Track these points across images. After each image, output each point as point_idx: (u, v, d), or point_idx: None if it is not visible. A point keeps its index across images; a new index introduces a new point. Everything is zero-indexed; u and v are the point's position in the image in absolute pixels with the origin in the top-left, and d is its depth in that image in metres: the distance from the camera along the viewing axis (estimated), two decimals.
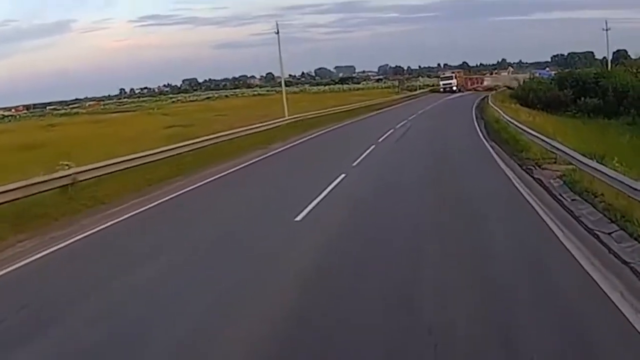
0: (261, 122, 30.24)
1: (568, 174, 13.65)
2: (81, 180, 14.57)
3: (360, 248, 8.57)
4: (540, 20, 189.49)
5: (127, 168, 16.18)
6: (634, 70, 56.17)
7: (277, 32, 37.67)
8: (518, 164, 16.07)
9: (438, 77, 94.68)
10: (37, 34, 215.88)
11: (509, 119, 25.56)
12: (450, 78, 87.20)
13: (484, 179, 14.06)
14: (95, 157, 16.87)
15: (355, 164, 16.97)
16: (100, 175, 15.47)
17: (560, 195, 11.99)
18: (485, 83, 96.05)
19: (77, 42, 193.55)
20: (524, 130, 20.14)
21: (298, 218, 10.48)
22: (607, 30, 64.78)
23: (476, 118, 34.65)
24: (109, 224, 11.20)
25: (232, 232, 10.02)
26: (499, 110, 32.50)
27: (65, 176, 13.64)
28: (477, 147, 20.55)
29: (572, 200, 11.56)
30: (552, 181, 13.69)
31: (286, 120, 33.54)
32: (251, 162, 19.07)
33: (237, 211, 11.86)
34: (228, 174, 16.79)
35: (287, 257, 8.30)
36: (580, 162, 13.05)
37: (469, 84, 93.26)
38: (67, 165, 14.67)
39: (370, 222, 10.28)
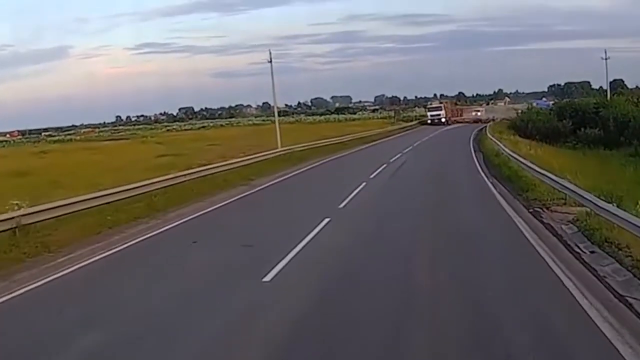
0: (250, 155, 28.99)
1: (582, 218, 12.00)
2: (33, 223, 12.87)
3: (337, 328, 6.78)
4: (537, 50, 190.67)
5: (88, 208, 14.44)
6: (635, 100, 55.13)
7: (270, 61, 36.84)
8: (524, 206, 14.42)
9: (426, 108, 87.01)
10: (35, 60, 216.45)
11: (510, 152, 24.02)
12: (439, 109, 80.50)
13: (488, 226, 12.36)
14: (83, 185, 16.78)
15: (342, 205, 15.23)
16: (59, 216, 13.78)
17: (577, 245, 10.31)
18: (478, 114, 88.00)
19: (74, 68, 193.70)
20: (529, 167, 18.54)
21: (267, 278, 8.74)
22: (606, 59, 63.75)
23: (474, 151, 33.13)
24: (44, 280, 9.43)
25: (184, 300, 8.21)
26: (498, 143, 31.03)
27: (7, 219, 11.90)
28: (477, 185, 18.93)
29: (592, 252, 9.88)
30: (564, 227, 12.03)
31: (277, 152, 32.07)
32: (230, 200, 17.33)
33: (196, 268, 10.01)
34: (197, 216, 14.90)
35: (247, 336, 6.55)
36: (597, 206, 11.39)
37: (459, 114, 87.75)
38: (16, 204, 12.97)
39: (350, 290, 8.29)
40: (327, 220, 12.95)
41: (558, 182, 14.29)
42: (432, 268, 9.15)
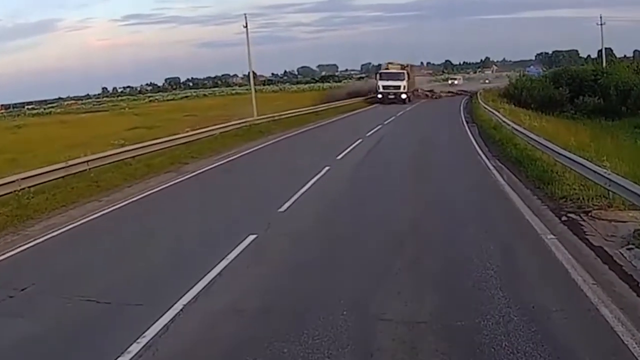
0: (220, 124, 25.47)
1: None
2: None
3: None
4: (524, 18, 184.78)
5: None
6: (635, 67, 50.96)
7: (246, 26, 33.65)
8: (550, 209, 9.78)
9: (376, 74, 53.99)
10: (21, 34, 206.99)
11: (513, 125, 19.29)
12: (398, 77, 49.82)
13: (505, 251, 7.62)
14: (39, 163, 14.94)
15: (284, 207, 10.39)
16: None
17: None
18: (455, 82, 76.91)
19: (61, 41, 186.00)
20: (544, 145, 13.89)
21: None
22: (601, 24, 59.19)
23: (467, 123, 28.35)
24: None
25: None
26: (494, 112, 26.30)
27: None
28: (477, 170, 14.28)
29: None
30: (623, 252, 7.48)
31: (249, 121, 27.91)
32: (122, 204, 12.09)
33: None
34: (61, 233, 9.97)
35: None
36: None
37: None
38: None
39: None
40: (251, 237, 8.12)
41: (607, 178, 9.54)
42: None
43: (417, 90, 57.28)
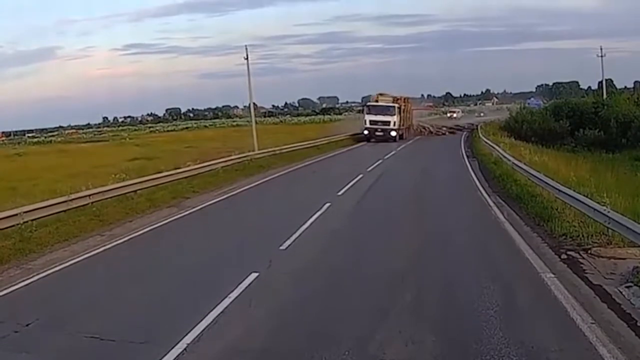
0: (221, 158, 25.00)
1: None
2: None
3: None
4: (525, 50, 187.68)
5: None
6: (636, 99, 51.35)
7: (246, 57, 33.73)
8: (549, 247, 9.87)
9: (364, 107, 49.00)
10: (22, 61, 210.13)
11: (514, 160, 19.47)
12: (388, 111, 43.52)
13: (505, 290, 7.67)
14: (39, 192, 15.66)
15: (285, 245, 10.43)
16: None
17: None
18: (454, 116, 73.91)
19: (62, 69, 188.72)
20: (544, 182, 14.01)
21: None
22: (602, 56, 59.80)
23: (467, 157, 28.59)
24: None
25: None
26: (494, 147, 26.52)
27: None
28: (477, 207, 14.41)
29: None
30: (622, 290, 7.56)
31: (249, 155, 27.74)
32: (128, 237, 12.13)
33: None
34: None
35: None
36: None
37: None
38: None
39: None
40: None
41: (606, 216, 9.62)
42: None
43: (413, 127, 52.34)
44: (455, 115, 75.45)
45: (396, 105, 44.28)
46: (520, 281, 8.14)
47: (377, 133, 42.42)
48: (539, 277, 8.17)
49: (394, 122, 43.13)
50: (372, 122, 42.89)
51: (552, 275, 8.19)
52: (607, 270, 8.39)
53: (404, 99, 48.41)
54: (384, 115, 42.88)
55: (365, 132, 42.95)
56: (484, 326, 6.38)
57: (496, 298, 7.28)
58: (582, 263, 8.79)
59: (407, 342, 6.07)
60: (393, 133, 42.70)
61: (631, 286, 7.60)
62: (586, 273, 8.29)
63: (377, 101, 45.34)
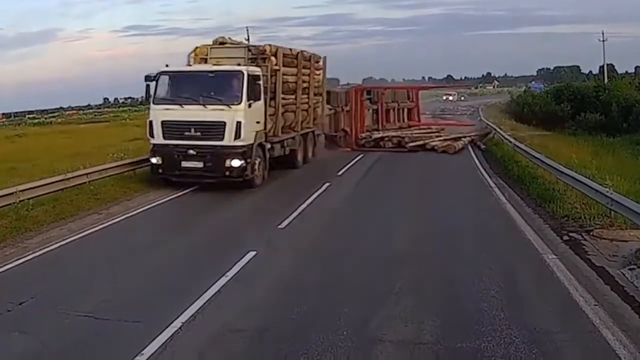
0: None
1: None
2: None
3: None
4: (526, 34, 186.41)
5: None
6: (637, 84, 51.08)
7: (247, 39, 32.40)
8: (551, 228, 9.75)
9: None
10: (23, 43, 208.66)
11: (515, 142, 19.30)
12: (230, 92, 13.79)
13: (506, 271, 7.58)
14: (39, 173, 15.16)
15: (284, 225, 10.32)
16: None
17: None
18: (450, 98, 66.63)
19: (62, 50, 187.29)
20: (548, 165, 13.86)
21: None
22: (603, 41, 59.51)
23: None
24: None
25: None
26: (496, 129, 26.27)
27: None
28: (478, 188, 14.26)
29: None
30: (624, 272, 7.45)
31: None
32: None
33: None
34: None
35: None
36: None
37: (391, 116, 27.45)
38: None
39: None
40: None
41: (609, 197, 9.50)
42: None
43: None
44: (451, 98, 68.76)
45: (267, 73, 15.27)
46: (522, 263, 8.03)
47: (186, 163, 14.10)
48: (541, 259, 8.07)
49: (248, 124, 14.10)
50: (169, 126, 14.43)
51: (554, 257, 8.08)
52: (609, 252, 8.28)
53: (309, 57, 18.96)
54: (214, 104, 14.01)
55: (154, 159, 14.57)
56: (485, 307, 6.28)
57: (497, 279, 7.18)
58: (584, 245, 8.67)
59: (407, 323, 5.97)
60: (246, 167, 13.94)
61: (634, 268, 7.49)
62: (588, 255, 8.19)
63: (200, 61, 16.42)
